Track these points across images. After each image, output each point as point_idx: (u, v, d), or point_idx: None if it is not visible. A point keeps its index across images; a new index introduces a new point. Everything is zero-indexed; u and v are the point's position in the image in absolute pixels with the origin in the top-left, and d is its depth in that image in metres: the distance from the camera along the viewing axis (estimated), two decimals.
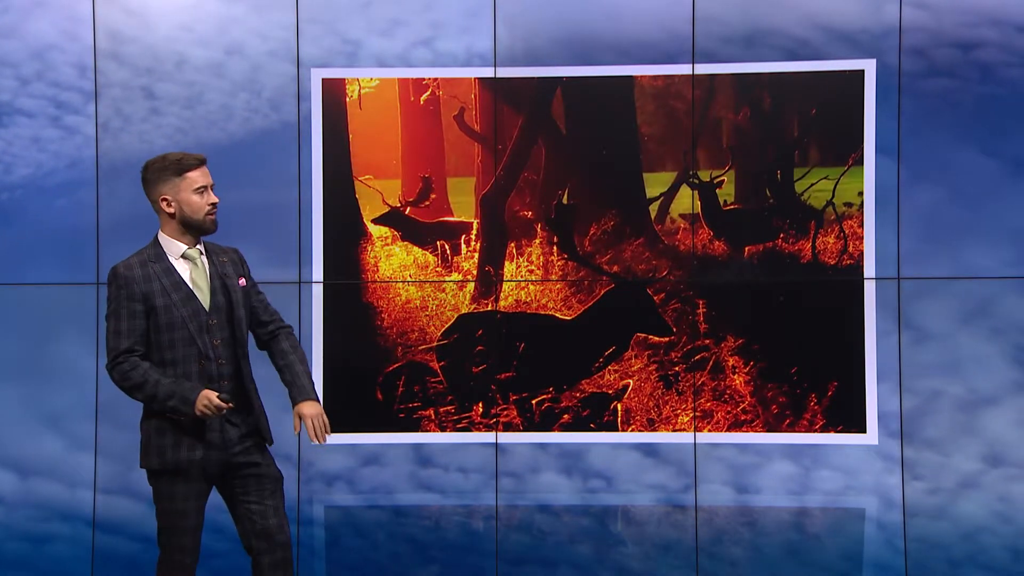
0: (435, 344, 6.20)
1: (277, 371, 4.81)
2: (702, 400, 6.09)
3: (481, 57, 6.14)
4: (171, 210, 4.61)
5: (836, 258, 6.03)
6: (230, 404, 4.50)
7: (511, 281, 6.17)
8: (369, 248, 6.21)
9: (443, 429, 6.19)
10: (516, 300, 6.16)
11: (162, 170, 4.61)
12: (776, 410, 6.05)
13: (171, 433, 4.59)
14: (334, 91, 6.20)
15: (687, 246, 6.10)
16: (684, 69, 6.07)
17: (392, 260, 5.40)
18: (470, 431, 6.17)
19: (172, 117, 6.22)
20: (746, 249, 6.08)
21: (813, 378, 6.04)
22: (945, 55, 5.98)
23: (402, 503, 6.25)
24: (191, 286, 4.62)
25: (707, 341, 6.08)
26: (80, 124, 6.22)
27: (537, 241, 6.16)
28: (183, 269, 4.64)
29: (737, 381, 6.07)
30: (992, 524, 6.04)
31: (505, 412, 6.15)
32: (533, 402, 6.15)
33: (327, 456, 6.19)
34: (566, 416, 6.14)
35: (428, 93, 6.19)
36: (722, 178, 6.08)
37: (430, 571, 6.20)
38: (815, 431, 6.03)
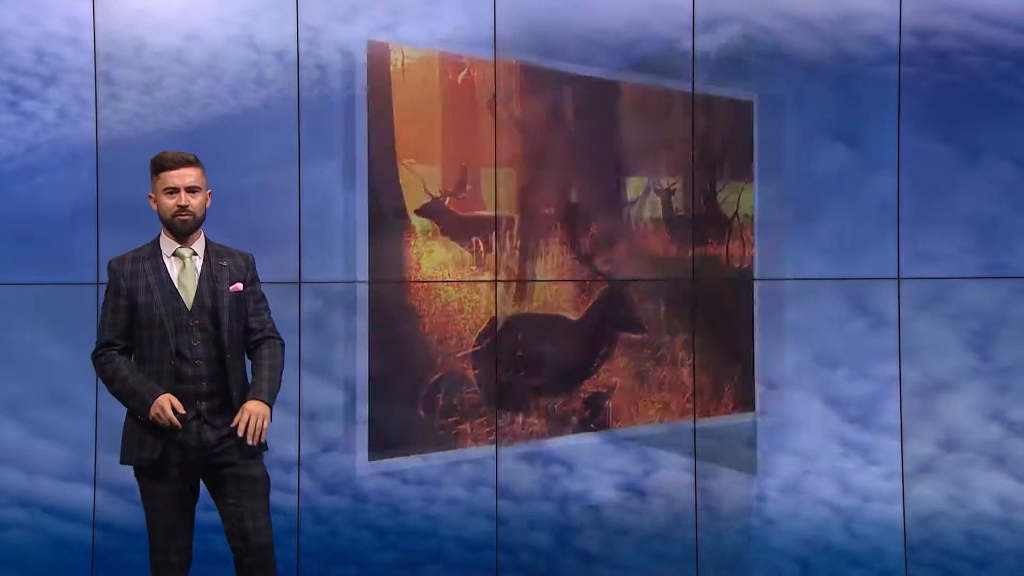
0: (471, 350, 6.28)
1: None
2: (666, 392, 6.32)
3: (442, 44, 6.16)
4: (155, 208, 4.68)
5: (741, 261, 6.29)
6: (179, 424, 4.49)
7: (524, 281, 6.28)
8: (412, 243, 6.24)
9: (476, 442, 6.24)
10: (543, 301, 6.30)
11: (151, 168, 4.67)
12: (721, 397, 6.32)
13: (138, 432, 4.59)
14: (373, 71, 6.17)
15: (655, 248, 6.30)
16: (679, 83, 6.24)
17: (433, 256, 5.43)
18: (502, 443, 6.27)
19: (131, 103, 6.12)
20: (692, 252, 6.29)
21: (735, 369, 6.29)
22: (904, 42, 6.05)
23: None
24: (176, 285, 4.61)
25: (668, 337, 6.30)
26: (37, 110, 6.05)
27: (556, 241, 6.28)
28: (172, 268, 4.65)
29: (684, 373, 6.30)
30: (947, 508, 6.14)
31: (535, 419, 6.30)
32: (555, 405, 6.33)
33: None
34: (574, 418, 6.31)
35: (464, 73, 6.19)
36: (675, 186, 6.29)
37: (433, 568, 6.31)
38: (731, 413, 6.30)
